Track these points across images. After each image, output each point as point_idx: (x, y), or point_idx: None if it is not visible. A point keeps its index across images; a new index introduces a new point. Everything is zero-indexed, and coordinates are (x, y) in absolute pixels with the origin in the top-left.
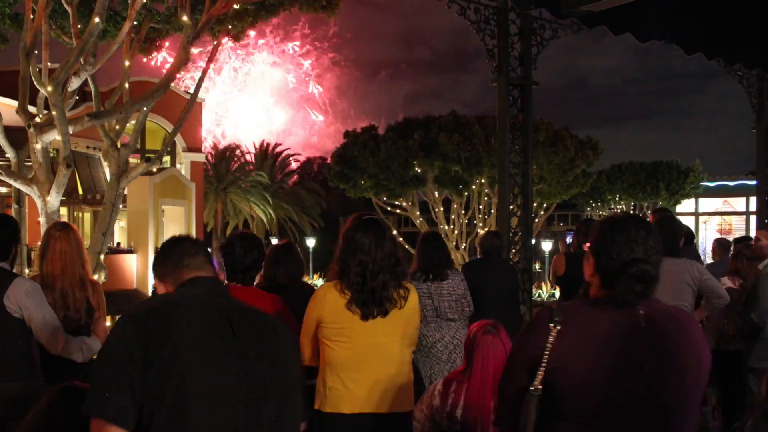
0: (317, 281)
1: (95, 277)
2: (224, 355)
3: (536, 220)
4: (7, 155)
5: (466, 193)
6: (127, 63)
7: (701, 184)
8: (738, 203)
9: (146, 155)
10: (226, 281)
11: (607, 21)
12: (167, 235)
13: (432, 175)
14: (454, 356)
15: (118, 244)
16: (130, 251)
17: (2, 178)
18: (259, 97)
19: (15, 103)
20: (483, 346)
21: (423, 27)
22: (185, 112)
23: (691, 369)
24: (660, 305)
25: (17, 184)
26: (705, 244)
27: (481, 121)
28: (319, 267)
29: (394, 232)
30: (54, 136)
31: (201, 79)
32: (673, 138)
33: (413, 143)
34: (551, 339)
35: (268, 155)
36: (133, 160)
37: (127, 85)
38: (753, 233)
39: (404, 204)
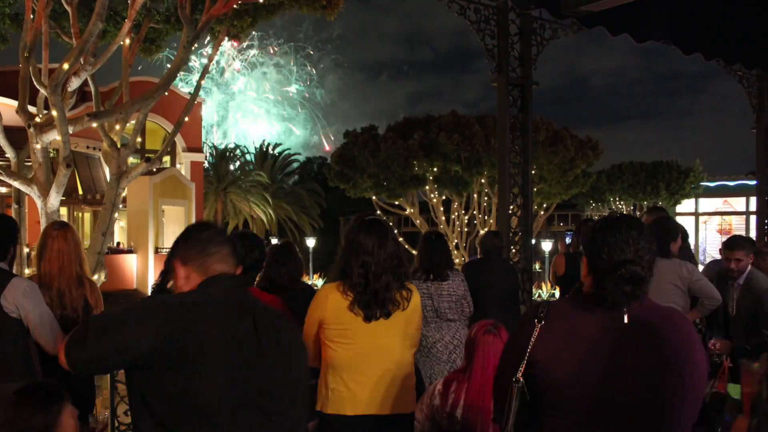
0: (317, 281)
1: (95, 277)
2: (248, 361)
3: (536, 220)
4: (7, 155)
5: (466, 193)
6: (127, 63)
7: (701, 184)
8: (738, 203)
9: (146, 155)
10: None
11: (605, 21)
12: (167, 235)
13: (432, 175)
14: (454, 356)
15: (118, 244)
16: (130, 251)
17: (2, 178)
18: (260, 97)
19: (15, 103)
20: (483, 346)
21: (425, 28)
22: (185, 112)
23: (683, 368)
24: (651, 304)
25: (17, 184)
26: (705, 243)
27: (481, 121)
28: (319, 267)
29: (395, 232)
30: (54, 136)
31: (201, 79)
32: (673, 138)
33: (413, 143)
34: (535, 333)
35: (268, 155)
36: (133, 160)
37: (127, 86)
38: (753, 233)
39: (404, 204)
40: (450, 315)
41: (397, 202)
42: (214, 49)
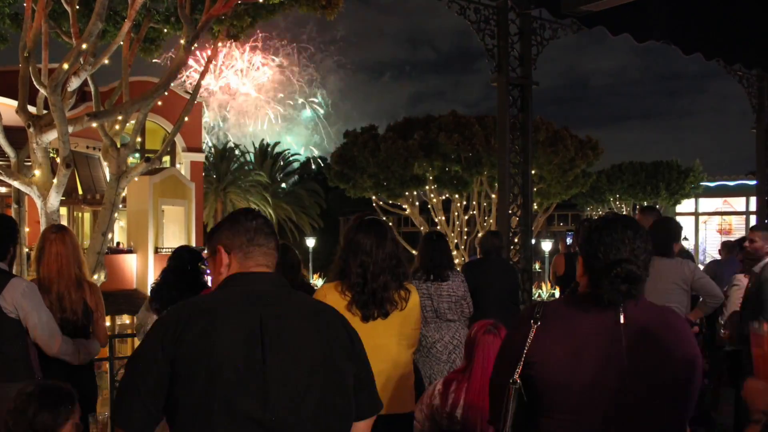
0: (317, 281)
1: (95, 277)
2: (254, 375)
3: (536, 220)
4: (7, 155)
5: (466, 193)
6: (127, 63)
7: (701, 184)
8: (738, 203)
9: (146, 155)
10: None
11: (606, 21)
12: (167, 235)
13: (432, 175)
14: (454, 356)
15: (118, 243)
16: (129, 251)
17: (2, 178)
18: (262, 98)
19: (15, 103)
20: (483, 345)
21: (427, 28)
22: (185, 112)
23: (677, 367)
24: (646, 304)
25: (17, 184)
26: (705, 243)
27: (481, 121)
28: (319, 267)
29: (394, 232)
30: (54, 136)
31: (200, 79)
32: (673, 138)
33: (413, 143)
34: (531, 334)
35: (268, 155)
36: (133, 160)
37: (126, 86)
38: None
39: (404, 204)
40: (450, 315)
41: (397, 202)
42: (213, 49)
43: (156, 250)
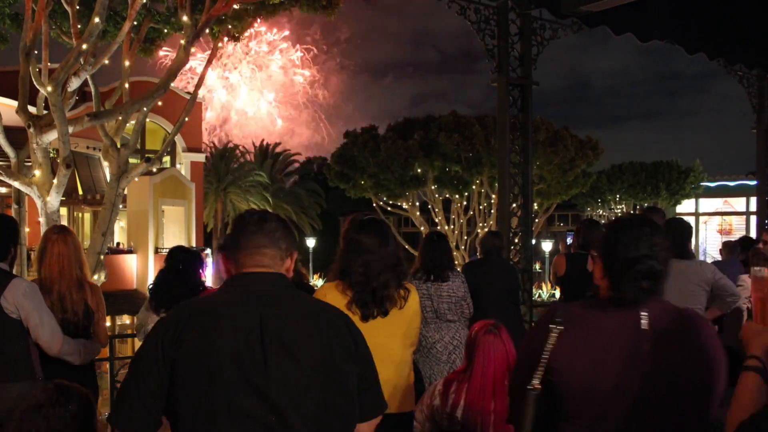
0: (317, 281)
1: (95, 277)
2: (254, 375)
3: (536, 220)
4: (7, 155)
5: (466, 193)
6: (127, 63)
7: (701, 184)
8: (738, 203)
9: (146, 155)
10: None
11: (608, 21)
12: (167, 235)
13: (432, 175)
14: (454, 357)
15: (118, 244)
16: (130, 251)
17: (2, 178)
18: (263, 98)
19: (15, 103)
20: (484, 346)
21: (430, 29)
22: (185, 113)
23: (701, 370)
24: (667, 305)
25: (17, 184)
26: (705, 243)
27: (481, 121)
28: (319, 267)
29: (395, 232)
30: (54, 136)
31: (201, 79)
32: (673, 138)
33: (413, 143)
34: (552, 339)
35: (268, 155)
36: (133, 161)
37: (126, 85)
38: (753, 233)
39: (404, 204)
40: (450, 316)
41: (397, 203)
42: (213, 50)
43: (156, 251)
